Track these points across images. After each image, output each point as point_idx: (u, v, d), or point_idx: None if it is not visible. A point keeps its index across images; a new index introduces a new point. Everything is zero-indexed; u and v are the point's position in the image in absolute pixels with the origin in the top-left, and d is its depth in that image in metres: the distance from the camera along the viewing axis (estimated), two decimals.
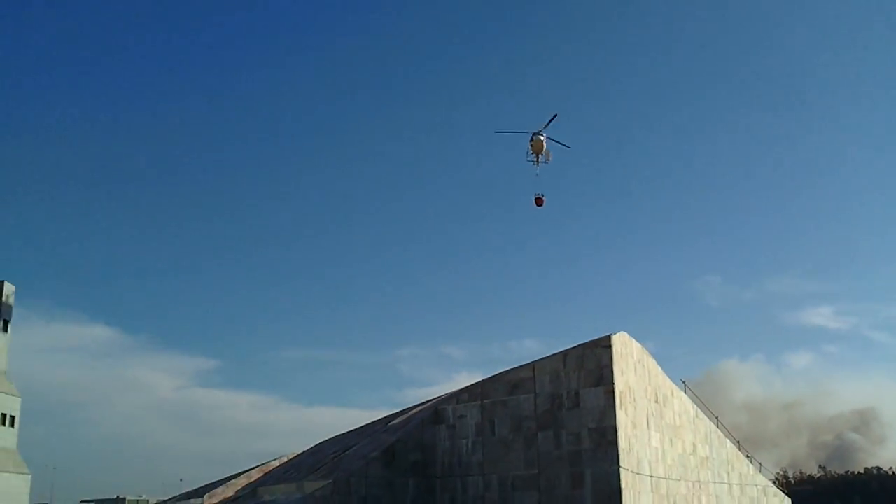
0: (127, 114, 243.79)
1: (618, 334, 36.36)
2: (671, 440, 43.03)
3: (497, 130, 69.32)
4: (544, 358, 37.00)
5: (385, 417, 50.90)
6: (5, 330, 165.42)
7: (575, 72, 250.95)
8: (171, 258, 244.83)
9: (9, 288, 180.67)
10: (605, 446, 33.57)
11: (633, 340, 39.08)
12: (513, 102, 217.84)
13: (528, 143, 64.45)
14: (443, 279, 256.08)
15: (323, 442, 55.10)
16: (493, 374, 39.50)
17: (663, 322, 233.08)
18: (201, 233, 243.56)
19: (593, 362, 35.09)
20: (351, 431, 52.55)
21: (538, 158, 64.89)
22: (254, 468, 52.52)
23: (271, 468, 52.46)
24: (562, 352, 36.40)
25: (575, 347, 36.02)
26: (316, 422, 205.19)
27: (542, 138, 64.12)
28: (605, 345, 35.19)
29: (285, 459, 53.55)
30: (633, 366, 38.18)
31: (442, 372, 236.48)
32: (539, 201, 63.78)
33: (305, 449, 55.10)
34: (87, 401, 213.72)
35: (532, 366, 37.10)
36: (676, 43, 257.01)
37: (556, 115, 65.63)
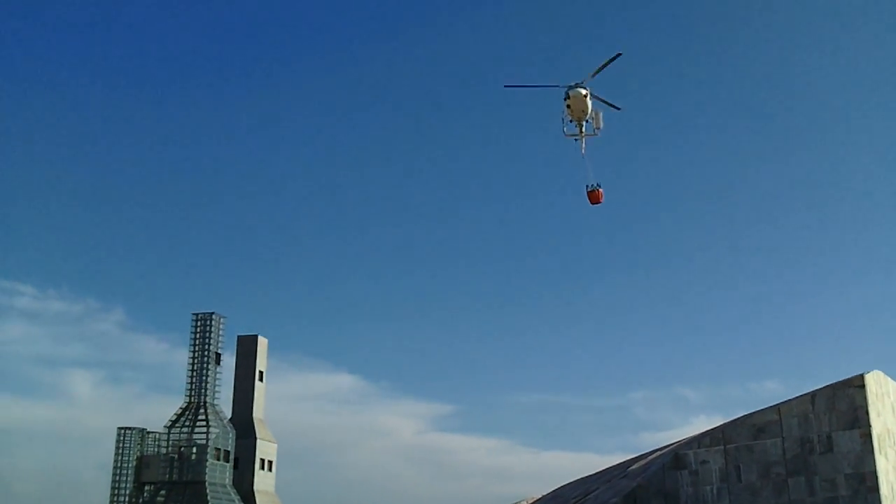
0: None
1: (872, 373, 34.28)
2: None
3: (507, 85, 51.30)
4: (791, 400, 35.43)
5: (623, 462, 50.25)
6: (261, 380, 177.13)
7: None
8: (406, 309, 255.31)
9: (262, 342, 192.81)
10: (864, 493, 31.56)
11: (890, 379, 36.60)
12: None
13: (564, 104, 46.66)
14: (673, 319, 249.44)
15: (563, 486, 55.16)
16: (734, 417, 38.27)
17: None
18: (436, 285, 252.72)
19: (845, 403, 33.20)
20: (590, 476, 52.29)
21: (581, 127, 47.54)
22: None
23: None
24: (810, 393, 34.70)
25: (824, 388, 34.25)
26: (552, 465, 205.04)
27: (583, 93, 46.34)
28: (857, 384, 33.28)
29: None
30: (890, 406, 35.68)
31: (678, 415, 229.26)
32: (595, 196, 47.88)
33: (546, 493, 55.38)
34: (335, 445, 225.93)
35: (777, 408, 35.55)
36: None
37: (618, 55, 45.36)
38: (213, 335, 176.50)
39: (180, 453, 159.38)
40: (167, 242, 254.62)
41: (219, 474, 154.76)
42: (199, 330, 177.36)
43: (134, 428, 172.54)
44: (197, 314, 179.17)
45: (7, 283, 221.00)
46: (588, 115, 46.59)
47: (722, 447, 36.91)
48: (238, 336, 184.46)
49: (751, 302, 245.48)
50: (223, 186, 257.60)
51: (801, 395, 35.10)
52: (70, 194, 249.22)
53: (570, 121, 46.73)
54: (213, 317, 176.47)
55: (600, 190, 47.51)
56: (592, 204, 47.88)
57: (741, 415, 37.79)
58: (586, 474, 53.51)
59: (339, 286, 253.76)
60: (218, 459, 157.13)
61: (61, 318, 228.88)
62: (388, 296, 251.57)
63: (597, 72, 45.86)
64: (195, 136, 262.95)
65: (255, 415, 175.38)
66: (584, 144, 47.24)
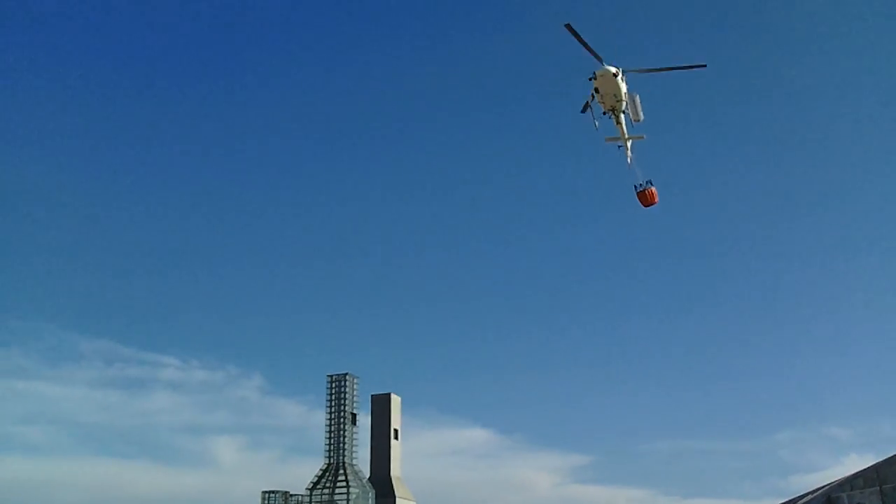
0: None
1: None
2: None
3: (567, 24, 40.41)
4: None
5: None
6: (396, 438, 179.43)
7: None
8: (535, 362, 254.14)
9: (395, 400, 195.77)
10: None
11: None
12: None
13: (591, 92, 41.06)
14: (815, 354, 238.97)
15: None
16: (888, 455, 36.08)
17: None
18: (565, 338, 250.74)
19: None
20: None
21: (620, 121, 42.15)
22: None
23: None
24: None
25: None
26: None
27: (612, 70, 40.52)
28: None
29: None
30: None
31: (828, 455, 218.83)
32: (646, 196, 42.62)
33: None
34: (474, 501, 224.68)
35: None
36: None
37: (567, 26, 38.50)
38: (347, 395, 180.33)
39: None
40: (299, 308, 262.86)
41: None
42: (334, 391, 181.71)
43: (277, 491, 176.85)
44: (331, 376, 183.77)
45: (152, 356, 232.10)
46: (623, 103, 40.96)
47: (877, 488, 34.84)
48: (372, 395, 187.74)
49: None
50: (348, 249, 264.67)
51: None
52: (205, 269, 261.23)
53: (603, 113, 41.38)
54: (347, 377, 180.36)
55: (653, 188, 42.38)
56: (645, 206, 42.30)
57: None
58: None
59: (468, 342, 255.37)
60: None
61: (204, 387, 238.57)
62: (516, 350, 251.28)
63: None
64: (314, 203, 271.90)
65: (392, 473, 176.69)
66: (630, 152, 41.73)
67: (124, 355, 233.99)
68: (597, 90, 40.76)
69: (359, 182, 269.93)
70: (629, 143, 41.53)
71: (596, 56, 40.80)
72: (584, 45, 40.06)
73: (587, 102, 42.13)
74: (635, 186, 43.24)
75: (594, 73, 40.68)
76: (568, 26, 39.39)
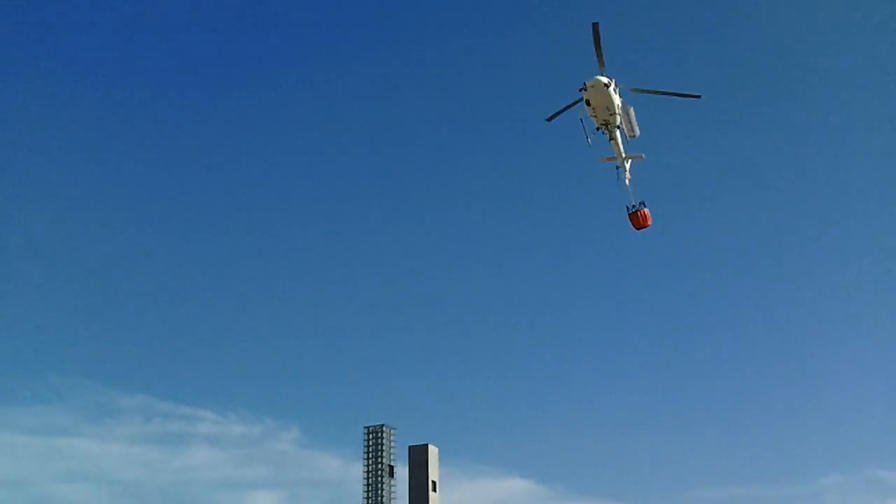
0: None
1: None
2: None
3: (548, 118, 40.05)
4: None
5: None
6: (434, 490, 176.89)
7: None
8: (573, 410, 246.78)
9: (433, 451, 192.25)
10: None
11: None
12: None
13: (583, 101, 37.47)
14: (861, 392, 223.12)
15: None
16: None
17: None
18: (603, 384, 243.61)
19: None
20: None
21: (615, 137, 38.93)
22: None
23: None
24: None
25: None
26: None
27: (603, 80, 37.56)
28: None
29: None
30: None
31: (875, 499, 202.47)
32: (638, 219, 38.85)
33: None
34: None
35: None
36: None
37: (596, 25, 36.50)
38: (384, 447, 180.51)
39: None
40: (335, 358, 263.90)
41: None
42: (370, 443, 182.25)
43: None
44: (368, 427, 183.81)
45: (190, 410, 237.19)
46: (617, 117, 38.19)
47: None
48: (409, 446, 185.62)
49: None
50: (382, 300, 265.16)
51: None
52: (240, 323, 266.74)
53: (597, 128, 38.34)
54: (384, 429, 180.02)
55: (645, 210, 39.26)
56: (638, 229, 39.12)
57: None
58: None
59: (504, 390, 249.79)
60: None
61: (242, 441, 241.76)
62: (554, 398, 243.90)
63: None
64: (348, 256, 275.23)
65: None
66: (628, 173, 38.92)
67: (162, 410, 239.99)
68: (588, 102, 37.44)
69: (391, 243, 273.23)
70: (627, 164, 37.10)
71: (600, 61, 37.64)
72: (598, 49, 37.25)
73: (558, 112, 38.49)
74: (627, 208, 40.09)
75: (584, 83, 37.39)
76: (595, 25, 37.30)
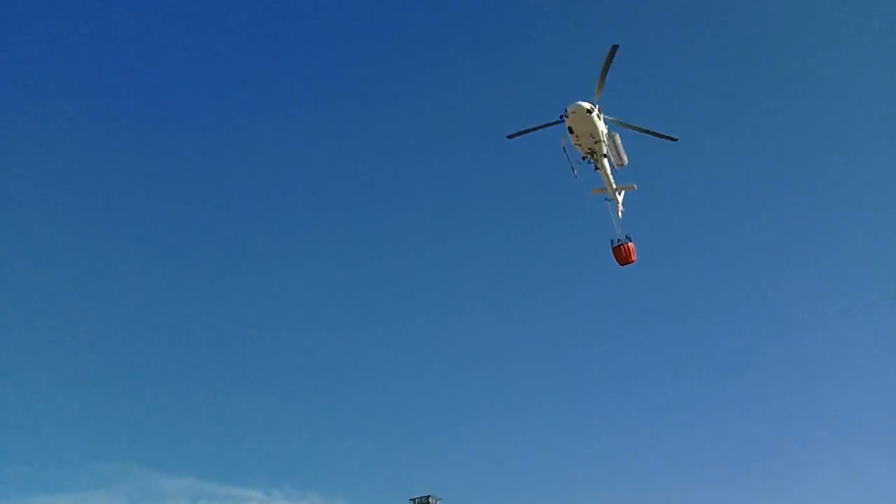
0: None
1: None
2: None
3: (510, 135, 38.77)
4: None
5: None
6: None
7: None
8: (619, 473, 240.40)
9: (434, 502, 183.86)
10: None
11: None
12: None
13: (563, 126, 36.30)
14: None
15: None
16: None
17: None
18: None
19: None
20: None
21: (599, 161, 37.65)
22: None
23: None
24: None
25: None
26: None
27: (585, 106, 36.41)
28: None
29: None
30: None
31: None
32: (622, 252, 38.34)
33: None
34: None
35: None
36: None
37: (615, 48, 34.95)
38: None
39: None
40: (378, 429, 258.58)
41: None
42: None
43: None
44: (414, 499, 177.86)
45: (235, 490, 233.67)
46: (602, 145, 36.70)
47: None
48: None
49: None
50: (421, 364, 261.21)
51: None
52: (283, 397, 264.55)
53: (583, 158, 36.70)
54: (430, 500, 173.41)
55: (630, 244, 38.31)
56: (622, 264, 38.07)
57: None
58: None
59: (551, 461, 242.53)
60: None
61: None
62: (598, 461, 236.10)
63: (598, 88, 34.75)
64: (382, 316, 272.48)
65: None
66: (621, 206, 37.16)
67: (207, 491, 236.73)
68: (570, 129, 36.16)
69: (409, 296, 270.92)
70: (620, 196, 35.55)
71: (600, 86, 36.19)
72: (604, 74, 36.04)
73: (524, 131, 36.74)
74: (611, 241, 38.91)
75: (565, 109, 36.12)
76: (613, 48, 36.28)
